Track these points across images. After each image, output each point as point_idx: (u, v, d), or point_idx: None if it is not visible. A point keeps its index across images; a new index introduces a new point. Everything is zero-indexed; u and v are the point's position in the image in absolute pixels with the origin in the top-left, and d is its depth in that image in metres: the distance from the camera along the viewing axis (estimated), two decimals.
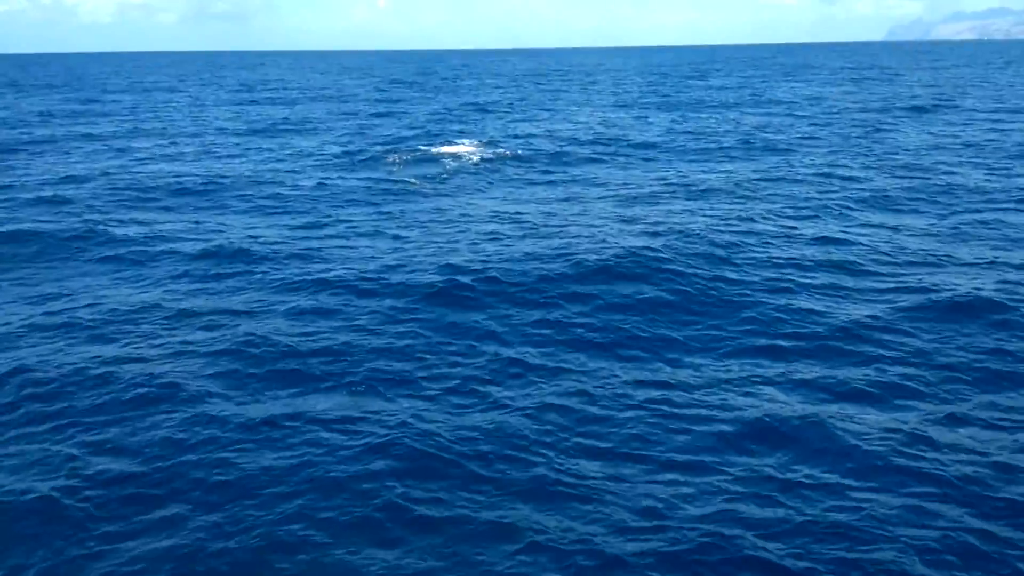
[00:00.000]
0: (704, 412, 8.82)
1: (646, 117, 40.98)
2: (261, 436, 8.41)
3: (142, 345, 10.88)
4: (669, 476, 7.64)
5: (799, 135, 31.78)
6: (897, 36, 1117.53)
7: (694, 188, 21.35)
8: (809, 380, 9.63)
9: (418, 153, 28.43)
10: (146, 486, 7.56)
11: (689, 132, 33.67)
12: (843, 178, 22.10)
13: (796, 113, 41.05)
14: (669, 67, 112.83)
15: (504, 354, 10.38)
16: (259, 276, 14.03)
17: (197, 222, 18.50)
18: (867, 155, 26.22)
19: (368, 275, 13.60)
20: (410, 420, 8.65)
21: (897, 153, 26.51)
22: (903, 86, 59.75)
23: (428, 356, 10.37)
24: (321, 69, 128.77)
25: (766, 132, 33.02)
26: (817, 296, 12.46)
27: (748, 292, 12.58)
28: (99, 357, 10.43)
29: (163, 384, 9.56)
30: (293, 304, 12.39)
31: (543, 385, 9.56)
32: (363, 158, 27.67)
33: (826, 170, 23.41)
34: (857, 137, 30.67)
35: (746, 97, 52.55)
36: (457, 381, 9.67)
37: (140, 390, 9.42)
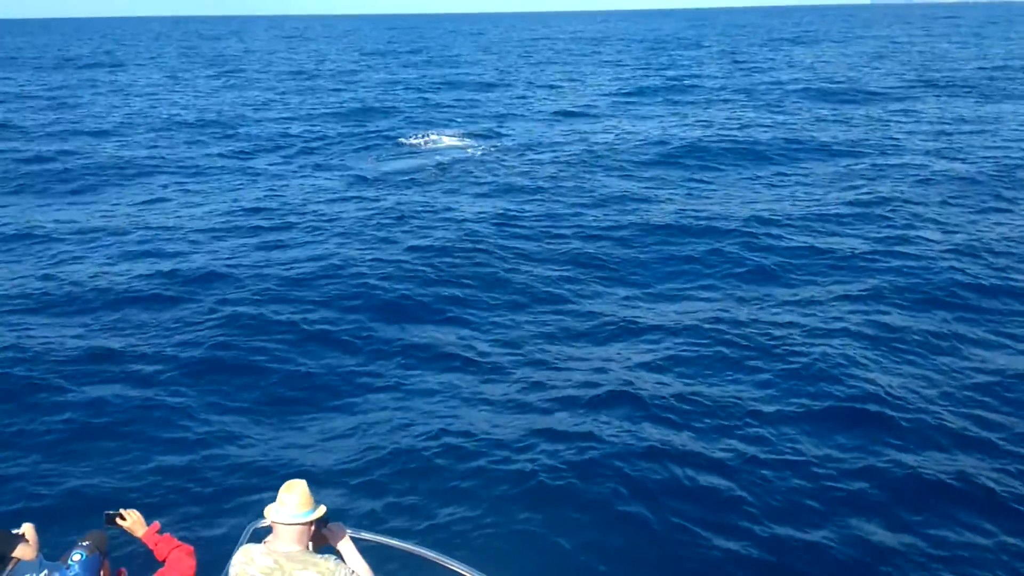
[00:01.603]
0: None
1: (661, 108, 34.93)
2: None
3: None
4: None
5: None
6: None
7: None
8: None
9: (400, 149, 26.05)
10: None
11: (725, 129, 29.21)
12: None
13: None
14: (666, 38, 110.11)
15: None
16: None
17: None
18: None
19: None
20: None
21: None
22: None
23: None
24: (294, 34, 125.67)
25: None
26: None
27: None
28: None
29: None
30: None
31: None
32: (331, 158, 24.99)
33: None
34: None
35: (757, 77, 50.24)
36: None
37: None
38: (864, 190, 18.69)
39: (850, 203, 17.57)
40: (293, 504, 3.79)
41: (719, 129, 27.79)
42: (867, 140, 25.01)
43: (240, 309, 12.06)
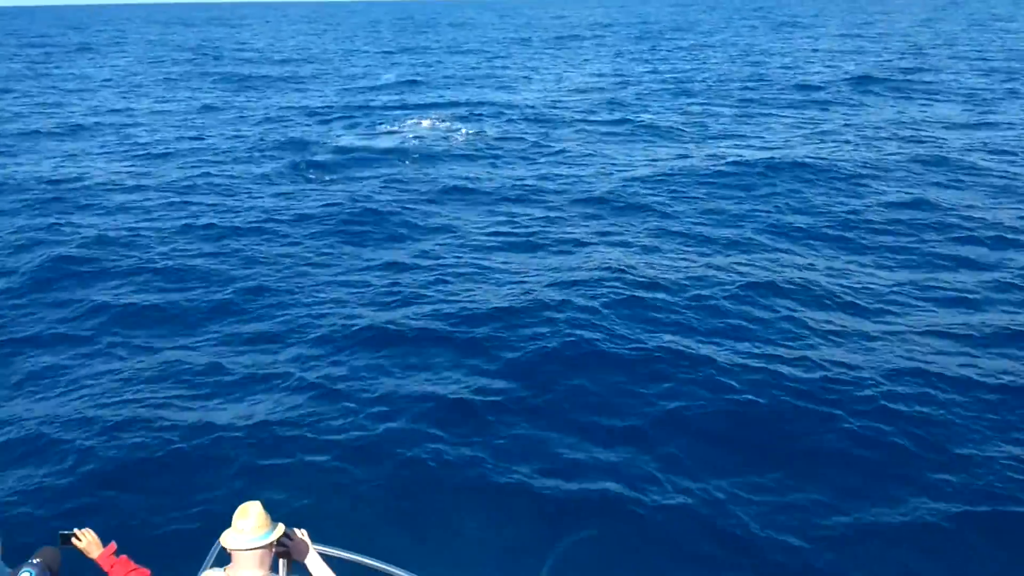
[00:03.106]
0: None
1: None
2: None
3: None
4: None
5: None
6: None
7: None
8: None
9: (382, 130, 26.00)
10: None
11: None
12: None
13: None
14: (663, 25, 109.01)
15: None
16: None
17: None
18: None
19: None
20: None
21: None
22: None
23: None
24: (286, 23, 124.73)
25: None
26: None
27: None
28: None
29: None
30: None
31: None
32: (310, 150, 24.32)
33: None
34: None
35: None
36: None
37: None
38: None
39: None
40: (250, 528, 3.65)
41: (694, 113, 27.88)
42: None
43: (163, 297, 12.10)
